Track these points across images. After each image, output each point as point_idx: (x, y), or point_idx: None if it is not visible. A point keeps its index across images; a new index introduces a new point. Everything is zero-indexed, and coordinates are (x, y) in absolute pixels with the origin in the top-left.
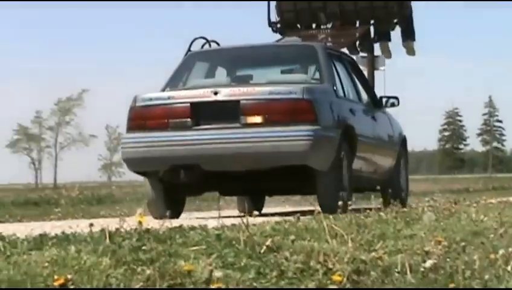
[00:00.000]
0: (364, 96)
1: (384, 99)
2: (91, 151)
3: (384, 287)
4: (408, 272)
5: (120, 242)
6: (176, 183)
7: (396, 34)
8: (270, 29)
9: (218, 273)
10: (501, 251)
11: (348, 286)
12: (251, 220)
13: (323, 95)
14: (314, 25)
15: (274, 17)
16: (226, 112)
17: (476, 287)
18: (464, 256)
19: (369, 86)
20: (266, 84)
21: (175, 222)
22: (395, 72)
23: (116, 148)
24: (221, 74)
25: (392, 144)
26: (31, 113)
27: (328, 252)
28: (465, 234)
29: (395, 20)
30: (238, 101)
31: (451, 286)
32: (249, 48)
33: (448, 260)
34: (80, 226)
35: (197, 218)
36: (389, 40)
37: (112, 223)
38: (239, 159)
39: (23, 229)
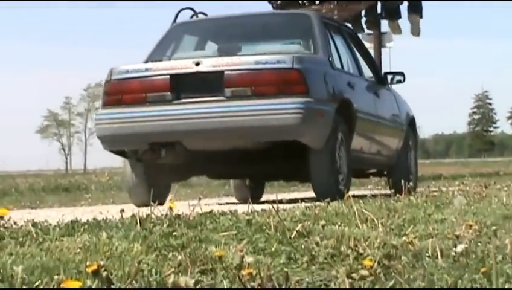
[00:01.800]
0: (367, 71)
1: (389, 76)
2: None
3: (415, 271)
4: (439, 256)
5: (151, 228)
6: (158, 166)
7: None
8: (270, 5)
9: (249, 259)
10: None
11: (378, 270)
12: (281, 205)
13: (316, 66)
14: (317, 1)
15: None
16: (209, 84)
17: (508, 271)
18: (495, 240)
19: (372, 60)
20: (255, 54)
21: (204, 208)
22: (421, 54)
23: None
24: (208, 46)
25: (399, 124)
26: (61, 100)
27: (359, 237)
28: (496, 218)
29: None
30: (222, 72)
31: (483, 270)
32: (238, 17)
33: (479, 244)
34: (110, 212)
35: (220, 204)
36: (400, 17)
37: (142, 209)
38: (223, 134)
39: (54, 215)
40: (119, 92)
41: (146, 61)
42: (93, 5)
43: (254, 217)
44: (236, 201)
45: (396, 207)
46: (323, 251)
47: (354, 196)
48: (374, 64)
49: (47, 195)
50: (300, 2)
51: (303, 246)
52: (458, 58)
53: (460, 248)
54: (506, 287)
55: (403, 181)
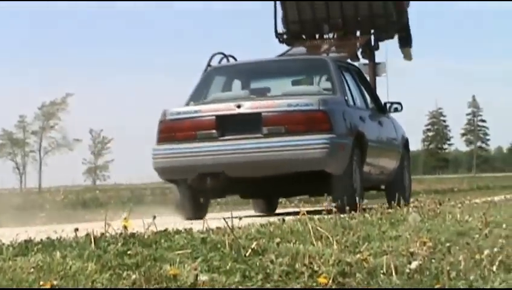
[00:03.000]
0: (369, 102)
1: (388, 105)
2: (75, 155)
3: (369, 288)
4: (393, 273)
5: (105, 247)
6: (202, 189)
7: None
8: (276, 38)
9: (203, 277)
10: (486, 251)
11: (333, 287)
12: (236, 223)
13: (337, 106)
14: (317, 36)
15: (280, 29)
16: (249, 123)
17: (462, 287)
18: (449, 257)
19: (374, 92)
20: (284, 97)
21: (160, 226)
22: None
23: (100, 152)
24: (239, 86)
25: (396, 146)
26: (15, 118)
27: (313, 255)
28: (450, 235)
29: (395, 29)
30: (259, 114)
31: (437, 286)
32: (264, 61)
33: (433, 261)
34: (65, 230)
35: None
36: (411, 46)
37: (97, 228)
38: (261, 166)
39: (8, 235)
40: (172, 130)
41: (188, 103)
42: (45, 25)
43: (209, 235)
44: (255, 213)
45: (351, 224)
46: (278, 269)
47: (308, 213)
48: (375, 95)
49: (0, 214)
50: (303, 37)
51: (258, 264)
52: (412, 75)
53: (414, 264)
54: None
55: (397, 194)
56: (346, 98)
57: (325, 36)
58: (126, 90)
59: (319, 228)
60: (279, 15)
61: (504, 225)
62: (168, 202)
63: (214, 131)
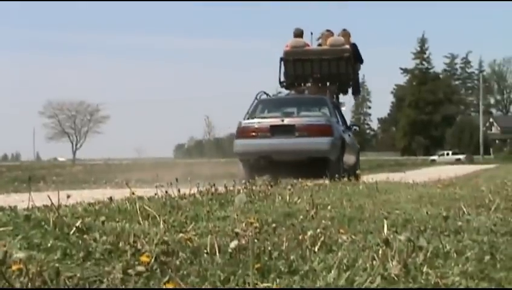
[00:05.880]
0: (342, 122)
1: (352, 126)
2: None
3: (191, 267)
4: (217, 253)
5: None
6: (257, 166)
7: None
8: (279, 85)
9: (20, 254)
10: (310, 232)
11: (155, 266)
12: (64, 201)
13: (333, 122)
14: (303, 84)
15: (282, 78)
16: (288, 130)
17: (281, 267)
18: (273, 237)
19: (344, 117)
20: (306, 116)
21: None
22: None
23: None
24: (277, 111)
25: (355, 147)
26: None
27: (139, 234)
28: (278, 216)
29: (350, 82)
30: (294, 125)
31: (257, 266)
32: (290, 97)
33: (257, 241)
34: None
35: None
36: (359, 93)
37: None
38: (294, 153)
39: None
40: (244, 132)
41: (248, 117)
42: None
43: (34, 213)
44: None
45: (180, 204)
46: (100, 247)
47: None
48: (345, 119)
49: None
50: (296, 84)
51: (80, 242)
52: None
53: (233, 244)
54: (277, 281)
55: (356, 172)
56: (336, 119)
57: (307, 84)
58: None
59: (146, 207)
60: (281, 70)
61: (329, 207)
62: None
63: (268, 133)
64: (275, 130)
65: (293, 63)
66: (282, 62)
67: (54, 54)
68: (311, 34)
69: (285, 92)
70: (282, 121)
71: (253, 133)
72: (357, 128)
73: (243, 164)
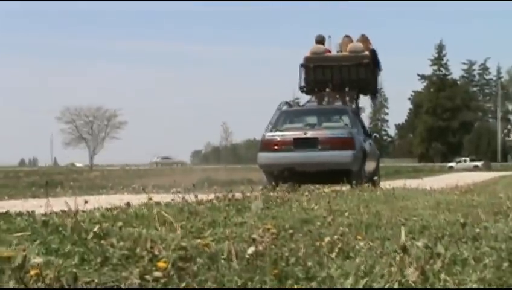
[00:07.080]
0: (363, 131)
1: (372, 133)
2: None
3: (208, 273)
4: (234, 258)
5: None
6: (280, 176)
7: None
8: (300, 90)
9: (38, 260)
10: (327, 239)
11: (172, 272)
12: (82, 207)
13: (355, 134)
14: (323, 89)
15: (302, 84)
16: (311, 143)
17: (299, 273)
18: (290, 243)
19: (364, 125)
20: (329, 129)
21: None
22: None
23: None
24: (300, 122)
25: (376, 154)
26: None
27: (156, 239)
28: (295, 222)
29: (370, 87)
30: (317, 138)
31: (275, 272)
32: (313, 108)
33: (274, 247)
34: None
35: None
36: (377, 98)
37: None
38: (317, 165)
39: None
40: (268, 144)
41: (271, 129)
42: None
43: (51, 218)
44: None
45: (198, 210)
46: (117, 253)
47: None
48: (365, 126)
49: None
50: (316, 89)
51: (97, 247)
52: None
53: (251, 250)
54: (295, 287)
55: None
56: (357, 130)
57: (327, 90)
58: None
59: (164, 213)
60: (302, 76)
61: (347, 214)
62: None
63: (291, 146)
64: (298, 143)
65: (313, 69)
66: (302, 68)
67: (72, 61)
68: (329, 37)
69: (303, 97)
70: (305, 133)
71: (277, 147)
72: (377, 135)
73: (267, 174)
